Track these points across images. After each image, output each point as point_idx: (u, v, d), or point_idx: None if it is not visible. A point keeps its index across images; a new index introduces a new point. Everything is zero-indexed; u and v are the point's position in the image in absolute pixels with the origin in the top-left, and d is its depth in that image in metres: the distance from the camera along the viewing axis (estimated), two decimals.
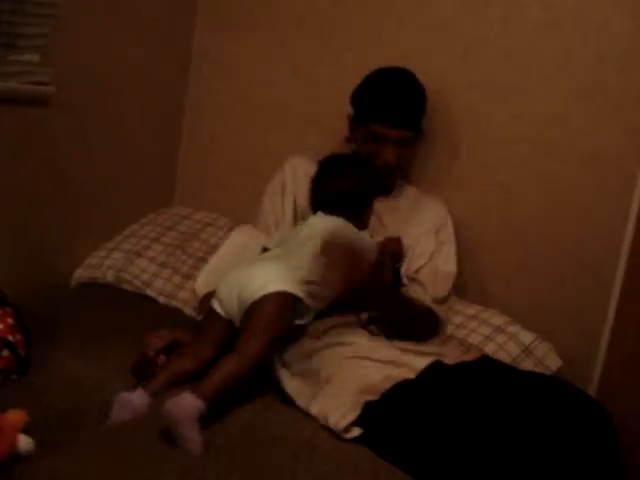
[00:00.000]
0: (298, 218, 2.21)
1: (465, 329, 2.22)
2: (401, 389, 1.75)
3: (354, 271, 1.89)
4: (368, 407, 1.70)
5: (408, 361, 1.84)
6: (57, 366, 1.83)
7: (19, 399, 1.64)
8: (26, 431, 1.48)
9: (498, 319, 2.25)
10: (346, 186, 1.97)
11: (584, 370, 2.24)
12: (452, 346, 2.07)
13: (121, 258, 2.50)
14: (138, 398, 1.68)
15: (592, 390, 2.22)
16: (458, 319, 2.25)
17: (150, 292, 2.43)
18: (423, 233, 2.22)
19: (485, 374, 1.83)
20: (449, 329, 2.22)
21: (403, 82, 2.22)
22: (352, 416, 1.68)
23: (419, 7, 2.46)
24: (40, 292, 2.28)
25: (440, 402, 1.71)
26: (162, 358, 1.86)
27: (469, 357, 1.94)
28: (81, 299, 2.35)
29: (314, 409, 1.72)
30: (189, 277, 2.43)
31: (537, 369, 2.11)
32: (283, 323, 1.81)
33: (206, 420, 1.58)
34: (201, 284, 2.16)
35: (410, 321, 2.06)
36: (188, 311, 2.32)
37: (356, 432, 1.67)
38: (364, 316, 2.00)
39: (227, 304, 1.84)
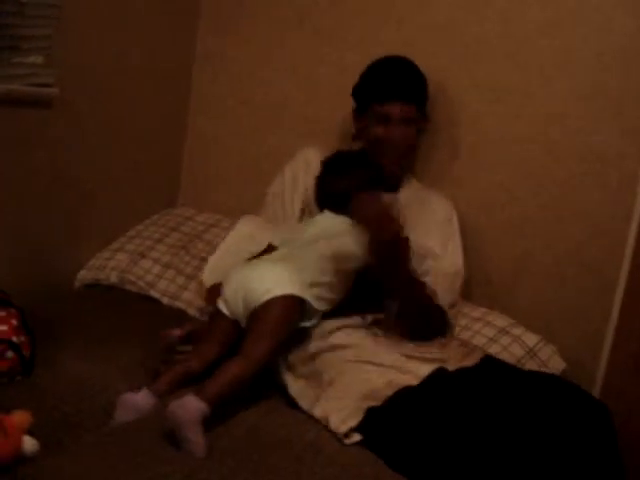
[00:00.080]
0: (307, 212, 2.21)
1: (469, 331, 2.21)
2: (403, 396, 1.74)
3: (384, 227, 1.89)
4: (370, 413, 1.70)
5: (412, 367, 1.83)
6: (61, 367, 1.84)
7: (24, 400, 1.65)
8: (31, 432, 1.48)
9: (502, 321, 2.24)
10: (349, 186, 1.97)
11: (588, 371, 2.24)
12: (454, 348, 2.06)
13: (125, 259, 2.51)
14: (143, 398, 1.68)
15: (596, 391, 2.21)
16: (463, 321, 2.24)
17: (154, 293, 2.43)
18: (430, 228, 2.21)
19: (487, 379, 1.82)
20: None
21: (400, 60, 2.24)
22: (353, 422, 1.68)
23: (419, 7, 2.47)
24: (44, 293, 2.28)
25: (442, 410, 1.70)
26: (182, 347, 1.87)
27: (471, 360, 1.93)
28: (85, 300, 2.36)
29: (317, 411, 1.73)
30: (193, 278, 2.43)
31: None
32: (290, 327, 1.82)
33: (211, 422, 1.59)
34: (207, 275, 2.17)
35: (422, 309, 2.04)
36: (192, 312, 2.32)
37: (356, 438, 1.67)
38: (369, 318, 2.00)
39: (232, 305, 1.84)
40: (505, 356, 2.11)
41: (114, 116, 2.56)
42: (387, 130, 2.17)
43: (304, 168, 2.25)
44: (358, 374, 1.81)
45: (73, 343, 1.97)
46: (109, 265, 2.50)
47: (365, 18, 2.55)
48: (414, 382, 1.78)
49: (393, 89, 2.17)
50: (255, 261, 1.95)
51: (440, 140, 2.43)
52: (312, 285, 1.86)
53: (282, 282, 1.81)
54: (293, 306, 1.81)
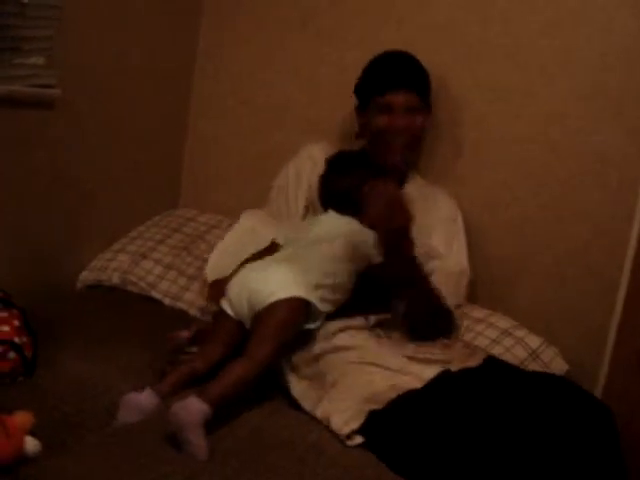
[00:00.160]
0: (310, 209, 2.20)
1: (472, 332, 2.20)
2: (406, 400, 1.73)
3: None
4: (372, 416, 1.69)
5: (415, 370, 1.82)
6: (63, 368, 1.83)
7: (26, 401, 1.64)
8: (33, 433, 1.48)
9: (505, 322, 2.24)
10: (351, 186, 1.97)
11: (589, 372, 2.24)
12: (457, 349, 2.04)
13: (127, 260, 2.51)
14: (146, 398, 1.67)
15: (598, 392, 2.21)
16: (465, 322, 2.23)
17: (155, 294, 2.43)
18: (435, 226, 2.20)
19: (490, 380, 1.81)
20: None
21: (400, 52, 2.23)
22: (355, 424, 1.68)
23: (419, 7, 2.47)
24: (46, 294, 2.28)
25: (445, 413, 1.69)
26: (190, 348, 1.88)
27: (474, 361, 1.92)
28: (87, 301, 2.36)
29: (319, 412, 1.73)
30: (195, 279, 2.43)
31: None
32: (294, 329, 1.81)
33: (214, 423, 1.58)
34: (210, 270, 2.15)
35: (430, 309, 2.04)
36: (194, 312, 2.32)
37: (358, 440, 1.67)
38: (372, 319, 1.99)
39: (237, 305, 1.84)
40: (508, 358, 2.10)
41: (115, 116, 2.56)
42: (390, 119, 2.15)
43: (308, 165, 2.24)
44: (361, 376, 1.80)
45: (75, 344, 1.97)
46: (111, 266, 2.50)
47: (365, 18, 2.55)
48: (418, 385, 1.77)
49: (395, 78, 2.16)
50: (259, 262, 1.94)
51: (443, 138, 2.43)
52: (317, 287, 1.85)
53: (287, 284, 1.80)
54: (298, 308, 1.80)
